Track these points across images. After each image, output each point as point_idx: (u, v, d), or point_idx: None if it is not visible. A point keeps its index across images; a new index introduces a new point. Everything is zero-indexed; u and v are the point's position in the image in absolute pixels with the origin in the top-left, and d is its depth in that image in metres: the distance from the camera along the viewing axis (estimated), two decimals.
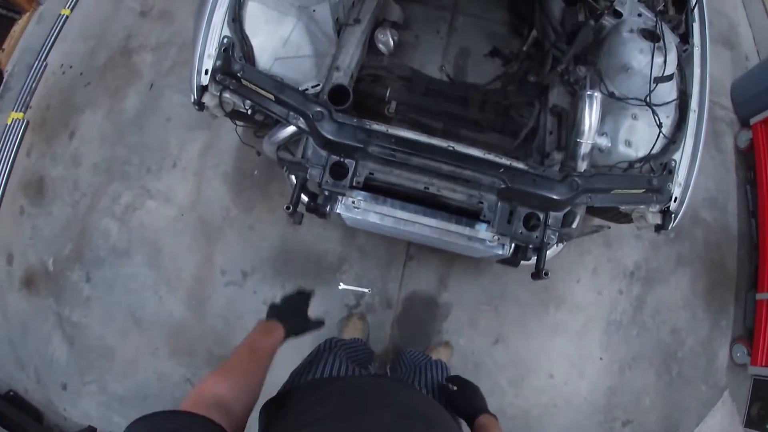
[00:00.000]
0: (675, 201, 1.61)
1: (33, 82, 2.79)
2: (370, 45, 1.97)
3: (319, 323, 1.24)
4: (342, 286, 2.33)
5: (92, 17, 2.94)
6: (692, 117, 1.69)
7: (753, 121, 2.81)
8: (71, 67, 2.81)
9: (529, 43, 2.06)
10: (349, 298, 2.34)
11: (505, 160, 1.45)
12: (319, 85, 1.67)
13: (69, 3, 2.98)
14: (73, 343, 2.34)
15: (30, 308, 2.41)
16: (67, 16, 2.96)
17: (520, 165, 1.45)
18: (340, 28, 1.80)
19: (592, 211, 1.71)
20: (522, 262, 1.64)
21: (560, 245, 1.69)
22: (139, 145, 2.59)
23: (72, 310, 2.37)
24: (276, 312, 1.18)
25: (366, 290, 2.33)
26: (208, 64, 1.51)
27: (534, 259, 1.58)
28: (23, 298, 2.42)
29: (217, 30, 1.52)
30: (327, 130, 1.45)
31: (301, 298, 1.26)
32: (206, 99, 1.54)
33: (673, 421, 2.44)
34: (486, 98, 1.91)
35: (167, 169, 2.51)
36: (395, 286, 2.36)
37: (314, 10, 1.72)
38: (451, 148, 1.44)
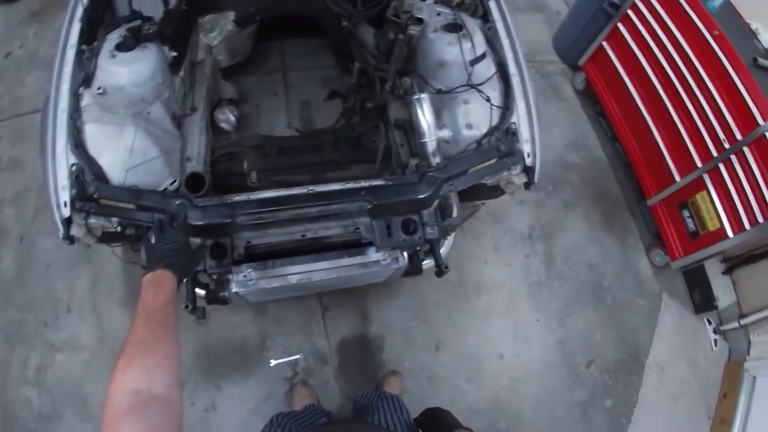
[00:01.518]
0: (529, 156, 1.76)
1: None
2: (214, 127, 2.02)
3: (204, 249, 1.20)
4: (273, 362, 2.29)
5: None
6: (515, 81, 1.88)
7: (581, 62, 3.16)
8: None
9: (357, 74, 2.21)
10: (284, 371, 2.29)
11: (363, 183, 1.53)
12: (176, 180, 1.68)
13: None
14: None
15: None
16: None
17: (378, 181, 1.55)
18: (179, 121, 1.83)
19: (465, 196, 1.84)
20: (425, 267, 1.73)
21: (449, 238, 1.80)
22: (29, 302, 2.45)
23: None
24: (155, 257, 1.09)
25: (297, 356, 2.29)
26: (65, 195, 1.49)
27: (432, 260, 1.67)
28: None
29: (63, 160, 1.51)
30: (193, 218, 1.46)
31: (176, 227, 1.18)
32: (74, 230, 1.51)
33: (630, 342, 2.60)
34: (337, 137, 2.02)
35: (64, 316, 2.38)
36: (323, 341, 2.35)
37: (149, 113, 1.74)
38: (311, 191, 1.50)
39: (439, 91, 1.84)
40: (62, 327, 2.38)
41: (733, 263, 2.72)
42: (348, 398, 2.25)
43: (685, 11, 2.42)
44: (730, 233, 2.32)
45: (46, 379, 2.30)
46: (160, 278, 1.00)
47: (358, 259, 1.62)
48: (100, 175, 1.56)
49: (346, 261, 1.61)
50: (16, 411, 2.26)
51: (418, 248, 1.63)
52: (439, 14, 2.00)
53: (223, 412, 2.19)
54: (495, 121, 1.81)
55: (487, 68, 1.88)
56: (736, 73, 2.22)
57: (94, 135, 1.60)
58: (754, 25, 2.47)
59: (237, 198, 1.50)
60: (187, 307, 1.52)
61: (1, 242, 2.58)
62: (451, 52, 1.81)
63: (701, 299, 2.76)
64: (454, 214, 1.72)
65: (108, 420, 0.68)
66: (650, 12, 2.62)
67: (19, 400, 2.27)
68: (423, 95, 1.70)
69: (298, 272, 1.59)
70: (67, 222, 1.50)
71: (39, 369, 2.32)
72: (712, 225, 2.41)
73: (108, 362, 2.30)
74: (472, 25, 1.92)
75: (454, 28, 1.86)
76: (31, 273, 2.50)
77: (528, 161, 1.76)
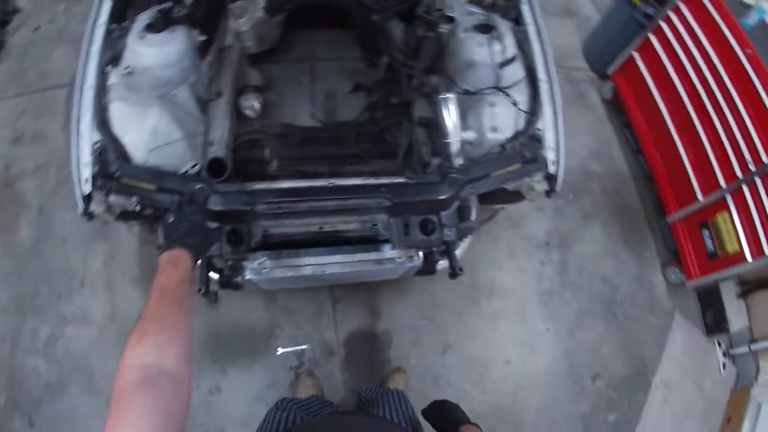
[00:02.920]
0: (552, 163, 1.74)
1: None
2: (238, 113, 2.02)
3: (220, 230, 1.23)
4: (280, 350, 2.30)
5: None
6: (543, 86, 1.85)
7: (610, 71, 3.13)
8: None
9: (383, 69, 2.19)
10: (291, 360, 2.31)
11: (384, 180, 1.53)
12: (197, 164, 1.69)
13: None
14: None
15: None
16: None
17: (399, 179, 1.54)
18: (204, 105, 1.84)
19: (485, 199, 1.82)
20: (438, 267, 1.72)
21: (467, 240, 1.78)
22: (43, 273, 2.49)
23: None
24: (173, 236, 1.10)
25: (305, 347, 2.30)
26: (87, 172, 1.50)
27: (447, 261, 1.66)
28: None
29: (87, 137, 1.53)
30: (213, 203, 1.46)
31: (193, 207, 1.21)
32: (93, 207, 1.52)
33: (637, 359, 2.57)
34: (359, 131, 2.02)
35: (77, 291, 2.42)
36: (332, 333, 2.36)
37: (175, 95, 1.74)
38: (331, 185, 1.50)
39: (466, 92, 1.82)
40: (75, 301, 2.41)
41: (748, 287, 2.69)
42: (352, 392, 2.26)
43: (719, 27, 2.38)
44: (748, 256, 2.28)
45: (55, 350, 2.35)
46: (176, 257, 1.00)
47: (373, 255, 1.61)
48: (123, 154, 1.57)
49: (361, 256, 1.60)
50: (23, 379, 2.30)
51: (434, 248, 1.62)
52: (471, 14, 1.97)
53: (227, 396, 2.21)
54: (521, 125, 1.78)
55: (516, 72, 1.86)
56: (767, 94, 2.17)
57: (119, 114, 1.60)
58: None
59: (258, 186, 1.50)
60: (200, 290, 1.52)
61: (21, 213, 2.63)
62: (480, 53, 1.79)
63: (713, 321, 2.72)
64: (473, 216, 1.71)
65: (117, 393, 0.68)
66: (683, 25, 2.58)
67: (26, 368, 2.31)
68: (450, 95, 1.68)
69: (312, 264, 1.59)
70: (88, 198, 1.51)
71: (49, 340, 2.36)
72: (731, 247, 2.37)
73: (117, 339, 2.34)
74: (504, 27, 1.89)
75: (486, 29, 1.83)
76: (47, 245, 2.53)
77: (551, 169, 1.74)
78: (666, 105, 2.73)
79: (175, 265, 0.97)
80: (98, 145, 1.52)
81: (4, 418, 2.26)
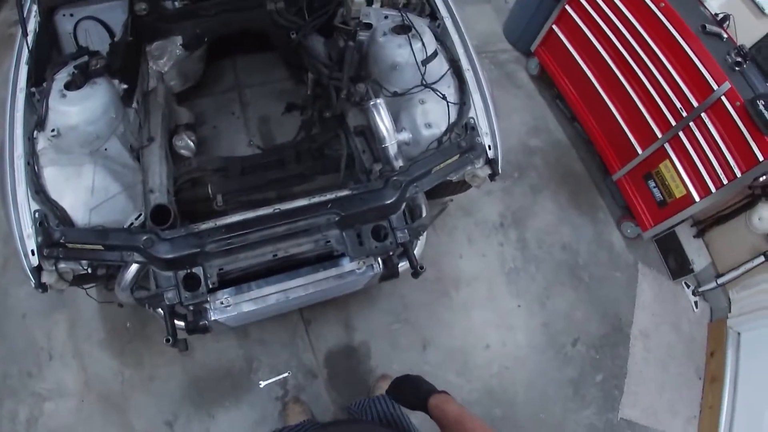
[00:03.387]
0: (490, 148, 1.79)
1: None
2: (174, 154, 2.00)
3: None
4: (262, 383, 2.27)
5: None
6: (469, 75, 1.91)
7: (533, 47, 3.21)
8: None
9: (311, 85, 2.21)
10: (275, 390, 2.28)
11: (328, 195, 1.54)
12: (141, 215, 1.66)
13: None
14: None
15: None
16: None
17: (343, 192, 1.55)
18: (137, 153, 1.81)
19: (432, 194, 1.85)
20: (401, 269, 1.75)
21: (422, 238, 1.81)
22: (9, 353, 2.39)
23: None
24: None
25: (286, 374, 2.28)
26: (31, 244, 1.48)
27: (407, 262, 1.68)
28: None
29: (25, 208, 1.50)
30: (162, 252, 1.44)
31: None
32: (45, 278, 1.50)
33: (612, 316, 2.66)
34: (299, 150, 2.02)
35: (46, 365, 2.33)
36: (310, 356, 2.35)
37: (106, 149, 1.72)
38: (277, 210, 1.50)
39: (395, 94, 1.86)
40: (46, 375, 2.32)
41: (703, 226, 2.80)
42: (342, 408, 2.25)
43: None
44: (696, 198, 2.39)
45: (38, 430, 2.25)
46: None
47: (333, 271, 1.63)
48: (65, 218, 1.55)
49: (321, 275, 1.62)
50: None
51: (391, 253, 1.65)
52: (386, 17, 2.01)
53: None
54: (453, 117, 1.84)
55: (439, 66, 1.91)
56: (686, 42, 2.27)
57: (53, 178, 1.58)
58: None
59: (204, 226, 1.49)
60: (168, 340, 1.51)
61: None
62: (402, 53, 1.83)
63: (677, 264, 2.83)
64: (424, 213, 1.74)
65: None
66: None
67: None
68: (379, 100, 1.71)
69: (274, 292, 1.60)
70: (38, 270, 1.48)
71: (29, 421, 2.27)
72: (678, 192, 2.48)
73: (98, 406, 2.27)
74: (421, 24, 1.94)
75: (403, 29, 1.88)
76: (8, 324, 2.43)
77: (490, 153, 1.79)
78: (592, 70, 2.82)
79: None
80: (37, 214, 1.50)
81: None
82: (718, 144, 2.24)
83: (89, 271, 1.55)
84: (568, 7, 2.87)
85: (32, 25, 1.79)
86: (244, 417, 2.20)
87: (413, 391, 1.21)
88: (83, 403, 2.27)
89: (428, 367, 2.36)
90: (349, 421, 1.58)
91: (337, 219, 1.53)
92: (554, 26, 3.00)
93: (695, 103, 2.27)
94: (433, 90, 1.84)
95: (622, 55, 2.59)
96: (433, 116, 1.82)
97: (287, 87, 2.72)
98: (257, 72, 2.81)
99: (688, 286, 2.83)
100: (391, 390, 1.29)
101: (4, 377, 2.35)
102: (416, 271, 1.66)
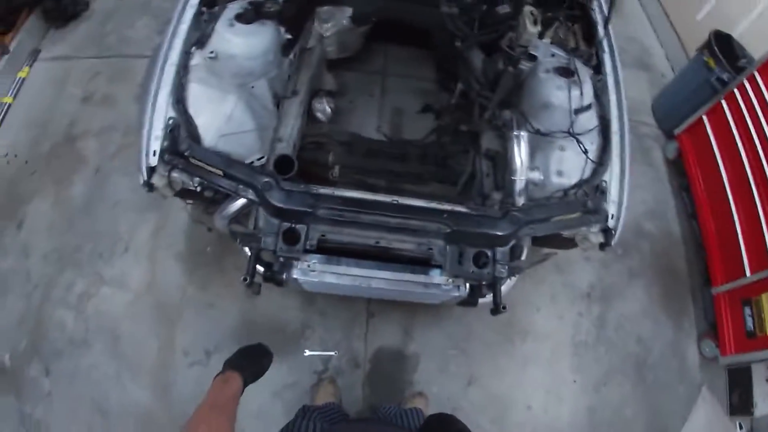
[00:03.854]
0: (612, 218, 1.72)
1: None
2: (309, 114, 2.06)
3: (270, 355, 1.31)
4: (308, 352, 2.31)
5: (35, 105, 2.95)
6: (615, 139, 1.84)
7: (677, 131, 3.07)
8: (16, 156, 2.78)
9: (457, 95, 2.21)
10: (316, 364, 2.31)
11: (447, 206, 1.53)
12: (263, 157, 1.72)
13: (11, 90, 2.98)
14: None
15: None
16: (9, 105, 2.96)
17: (462, 208, 1.54)
18: (278, 101, 1.88)
19: (538, 241, 1.80)
20: (480, 300, 1.71)
21: (513, 279, 1.76)
22: (89, 231, 2.55)
23: (34, 407, 2.22)
24: (230, 363, 1.22)
25: (332, 353, 2.30)
26: (156, 145, 1.54)
27: (490, 296, 1.64)
28: None
29: (162, 111, 1.57)
30: (276, 199, 1.48)
31: (253, 346, 1.32)
32: (155, 180, 1.56)
33: (659, 426, 2.49)
34: (424, 152, 2.03)
35: (119, 254, 2.47)
36: (361, 345, 2.36)
37: (253, 87, 1.78)
38: (396, 202, 1.51)
39: (538, 132, 1.81)
40: (116, 263, 2.46)
41: None
42: (370, 407, 2.25)
43: None
44: None
45: (87, 308, 2.39)
46: (229, 378, 1.15)
47: (422, 278, 1.61)
48: (194, 134, 1.61)
49: (410, 277, 1.60)
50: (48, 329, 2.35)
51: (483, 282, 1.61)
52: (553, 55, 1.97)
53: (246, 388, 2.21)
54: (587, 174, 1.77)
55: (589, 120, 1.84)
56: None
57: (196, 95, 1.65)
58: None
59: (323, 190, 1.52)
60: (245, 279, 1.53)
61: (77, 170, 2.71)
62: (558, 95, 1.78)
63: (739, 401, 2.62)
64: (524, 256, 1.69)
65: None
66: (756, 96, 2.53)
67: (53, 319, 2.37)
68: (523, 133, 1.68)
69: (360, 275, 1.60)
70: (151, 170, 1.55)
71: (82, 296, 2.41)
72: None
73: (151, 308, 2.38)
74: (584, 73, 1.88)
75: (566, 72, 1.83)
76: (98, 205, 2.60)
77: (610, 223, 1.72)
78: (728, 174, 2.67)
79: (228, 384, 1.12)
80: (171, 121, 1.57)
81: (22, 361, 2.30)
82: None
83: (198, 189, 1.61)
84: (724, 103, 2.73)
85: None
86: (278, 375, 2.23)
87: (448, 424, 1.23)
88: (138, 301, 2.39)
89: (466, 403, 2.31)
90: (381, 422, 1.57)
91: (447, 231, 1.51)
92: (704, 116, 2.86)
93: None
94: (578, 141, 1.77)
95: (764, 168, 2.44)
96: (568, 166, 1.76)
97: (429, 88, 2.73)
98: (405, 64, 2.84)
99: (741, 428, 2.61)
100: (425, 427, 1.27)
101: (75, 250, 2.50)
102: (498, 309, 1.61)
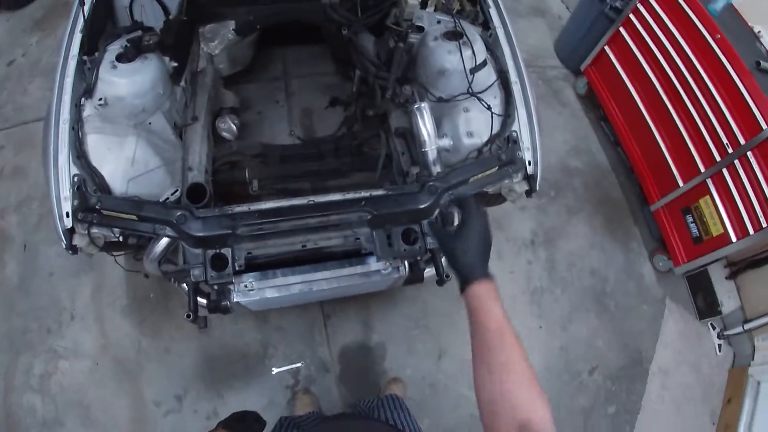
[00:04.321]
0: (530, 164, 1.76)
1: None
2: (216, 136, 2.02)
3: (262, 422, 1.31)
4: (275, 370, 2.29)
5: None
6: (516, 88, 1.88)
7: (583, 67, 3.17)
8: None
9: (357, 82, 2.20)
10: (286, 379, 2.30)
11: (363, 193, 1.53)
12: (177, 191, 1.69)
13: None
14: None
15: None
16: None
17: (378, 191, 1.54)
18: (180, 130, 1.84)
19: None
20: (427, 275, 1.72)
21: None
22: (32, 309, 2.47)
23: None
24: (223, 424, 1.23)
25: (299, 364, 2.29)
26: (67, 206, 1.51)
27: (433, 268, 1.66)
28: None
29: (65, 171, 1.53)
30: (193, 229, 1.46)
31: (249, 412, 1.34)
32: (77, 241, 1.53)
33: (633, 348, 2.59)
34: (338, 145, 2.02)
35: (67, 324, 2.40)
36: (325, 349, 2.36)
37: (150, 123, 1.75)
38: (312, 202, 1.50)
39: (440, 100, 1.83)
40: (66, 334, 2.40)
41: (737, 268, 2.72)
42: (350, 406, 2.25)
43: (687, 15, 2.42)
44: (733, 238, 2.32)
45: (51, 386, 2.32)
46: None
47: (359, 269, 1.61)
48: (102, 186, 1.56)
49: (347, 271, 1.60)
50: (20, 417, 2.27)
51: (419, 258, 1.63)
52: (439, 22, 2.00)
53: None
54: (496, 129, 1.80)
55: (487, 76, 1.88)
56: (739, 77, 2.21)
57: (95, 146, 1.60)
58: (756, 28, 2.46)
59: (237, 209, 1.49)
60: (188, 316, 1.51)
61: (5, 249, 2.61)
62: (451, 60, 1.80)
63: (705, 304, 2.75)
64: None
65: None
66: (652, 16, 2.62)
67: (23, 406, 2.29)
68: (423, 104, 1.69)
69: (299, 282, 1.59)
70: (70, 232, 1.51)
71: (43, 376, 2.34)
72: (715, 230, 2.41)
73: (111, 370, 2.32)
74: (473, 32, 1.91)
75: (455, 36, 1.85)
76: (34, 281, 2.52)
77: (529, 169, 1.76)
78: (640, 96, 2.77)
79: None
80: (76, 178, 1.53)
81: None
82: (761, 185, 2.18)
83: (120, 239, 1.57)
84: (622, 30, 2.82)
85: None
86: (252, 400, 2.21)
87: None
88: (97, 366, 2.33)
89: (442, 376, 2.34)
90: (354, 416, 1.58)
91: (369, 217, 1.52)
92: (606, 47, 2.95)
93: (742, 141, 2.21)
94: (479, 99, 1.81)
95: (673, 83, 2.54)
96: (476, 125, 1.79)
97: (333, 81, 2.72)
98: (305, 64, 2.83)
99: (714, 328, 2.75)
100: None
101: (24, 331, 2.43)
102: (441, 279, 1.63)
